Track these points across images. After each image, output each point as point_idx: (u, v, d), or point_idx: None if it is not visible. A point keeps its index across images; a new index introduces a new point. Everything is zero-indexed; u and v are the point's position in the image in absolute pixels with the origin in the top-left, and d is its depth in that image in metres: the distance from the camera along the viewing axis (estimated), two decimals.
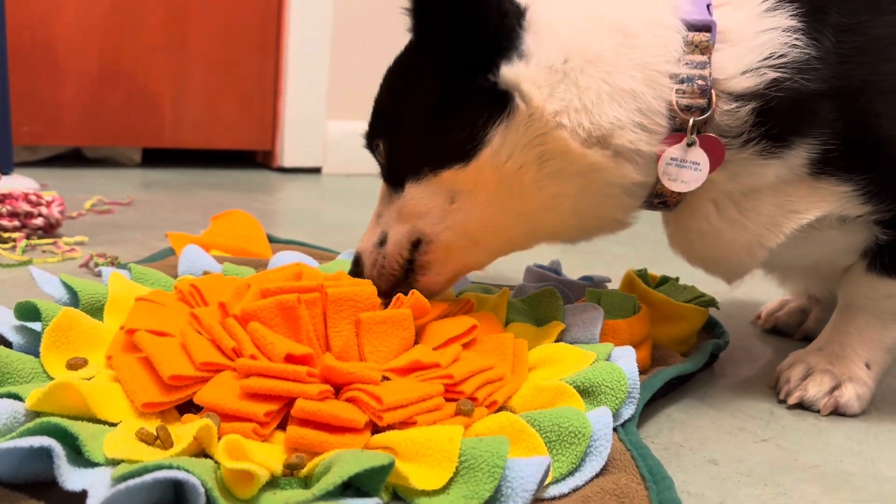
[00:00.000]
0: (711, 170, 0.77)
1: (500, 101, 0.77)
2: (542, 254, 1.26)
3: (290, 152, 2.54)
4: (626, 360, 0.75)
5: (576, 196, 0.79)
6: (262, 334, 0.68)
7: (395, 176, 0.84)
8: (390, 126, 0.84)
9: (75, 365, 0.68)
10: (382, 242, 0.85)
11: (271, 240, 1.32)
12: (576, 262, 1.41)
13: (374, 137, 0.85)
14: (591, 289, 0.94)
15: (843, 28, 0.76)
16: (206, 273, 1.02)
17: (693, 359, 0.89)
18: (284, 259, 1.08)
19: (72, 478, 0.51)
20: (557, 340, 0.83)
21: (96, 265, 1.17)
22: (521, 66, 0.76)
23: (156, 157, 2.48)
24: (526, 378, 0.74)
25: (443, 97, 0.79)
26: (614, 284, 1.07)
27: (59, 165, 2.23)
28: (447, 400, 0.66)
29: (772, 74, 0.75)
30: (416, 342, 0.76)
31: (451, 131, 0.78)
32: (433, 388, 0.65)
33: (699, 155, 0.77)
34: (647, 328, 0.87)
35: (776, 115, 0.76)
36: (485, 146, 0.77)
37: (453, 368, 0.69)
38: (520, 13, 0.78)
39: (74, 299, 0.81)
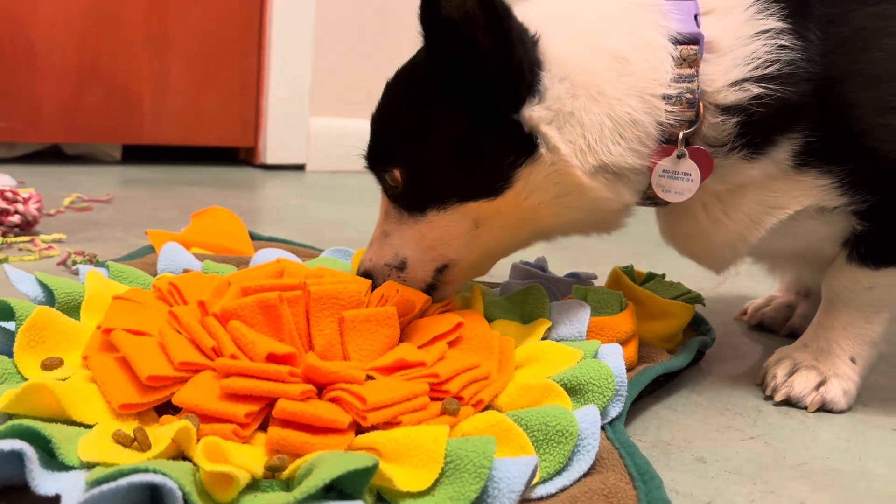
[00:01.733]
0: (702, 179, 0.79)
1: (525, 143, 0.76)
2: (528, 251, 1.25)
3: (273, 149, 2.52)
4: (613, 358, 0.75)
5: (584, 217, 0.82)
6: (243, 333, 0.66)
7: (415, 202, 0.82)
8: (408, 155, 0.81)
9: (50, 365, 0.66)
10: (400, 266, 0.83)
11: (253, 237, 1.31)
12: (562, 259, 1.40)
13: (387, 164, 0.82)
14: (577, 286, 0.93)
15: (827, 19, 0.77)
16: (186, 271, 1.00)
17: (680, 356, 0.88)
18: (266, 256, 1.06)
19: (45, 482, 0.49)
20: (544, 338, 0.82)
21: (74, 263, 1.15)
22: (538, 108, 0.76)
23: (136, 154, 2.45)
24: (512, 376, 0.73)
25: (468, 136, 0.77)
26: (600, 281, 1.06)
27: (37, 162, 2.20)
28: (433, 399, 0.65)
29: (756, 90, 0.75)
30: (400, 340, 0.75)
31: (478, 169, 0.78)
32: (418, 387, 0.64)
33: (690, 166, 0.78)
34: (633, 325, 0.86)
35: (761, 124, 0.77)
36: (511, 185, 0.78)
37: (439, 367, 0.68)
38: (535, 45, 0.76)
39: (50, 298, 0.79)
